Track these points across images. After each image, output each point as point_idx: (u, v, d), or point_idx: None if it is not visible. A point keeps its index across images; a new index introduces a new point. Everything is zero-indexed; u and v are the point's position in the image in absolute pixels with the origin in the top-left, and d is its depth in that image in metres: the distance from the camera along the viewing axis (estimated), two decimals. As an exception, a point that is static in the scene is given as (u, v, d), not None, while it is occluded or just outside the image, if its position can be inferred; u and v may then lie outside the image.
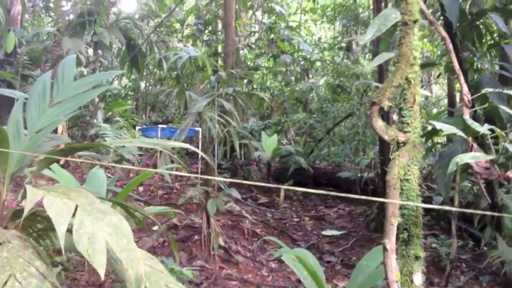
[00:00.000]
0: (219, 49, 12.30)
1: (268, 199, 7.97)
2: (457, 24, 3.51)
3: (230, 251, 5.36)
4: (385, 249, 1.39)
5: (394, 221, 1.39)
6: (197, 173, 7.21)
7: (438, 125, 1.41)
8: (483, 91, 1.60)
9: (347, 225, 7.00)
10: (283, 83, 12.48)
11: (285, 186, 1.45)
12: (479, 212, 1.04)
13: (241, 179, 8.41)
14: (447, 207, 1.46)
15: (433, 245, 5.91)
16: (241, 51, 12.58)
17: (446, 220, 6.37)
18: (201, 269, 4.85)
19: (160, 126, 8.65)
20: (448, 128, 1.36)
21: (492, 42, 3.88)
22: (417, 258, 1.58)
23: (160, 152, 6.38)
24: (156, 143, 2.48)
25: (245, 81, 11.99)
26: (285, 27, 12.61)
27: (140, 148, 7.54)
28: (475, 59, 4.59)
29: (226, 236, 5.68)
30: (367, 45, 10.79)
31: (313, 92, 11.84)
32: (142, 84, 14.96)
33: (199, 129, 6.06)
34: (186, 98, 6.95)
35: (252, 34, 14.15)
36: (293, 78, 12.54)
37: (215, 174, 5.72)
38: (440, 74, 10.60)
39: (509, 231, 3.83)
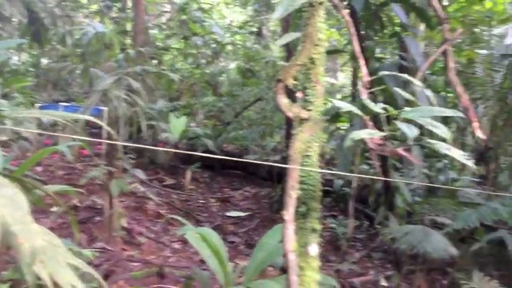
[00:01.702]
0: (128, 27, 11.92)
1: (174, 181, 7.92)
2: (361, 13, 3.68)
3: (133, 233, 5.27)
4: (283, 220, 1.45)
5: (293, 194, 1.44)
6: (101, 153, 6.98)
7: (337, 103, 1.48)
8: (380, 73, 1.69)
9: (252, 207, 7.13)
10: (193, 66, 12.37)
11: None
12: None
13: (147, 160, 8.27)
14: (345, 173, 1.54)
15: (332, 225, 6.20)
16: (151, 31, 12.28)
17: (345, 202, 6.70)
18: (102, 250, 4.73)
19: (62, 104, 8.26)
20: (346, 107, 1.44)
21: (393, 32, 4.10)
22: (314, 230, 1.65)
23: (63, 130, 6.10)
24: (57, 114, 2.38)
25: (155, 61, 11.74)
26: (197, 8, 12.47)
27: (39, 126, 7.17)
28: (377, 48, 4.83)
29: (130, 218, 5.58)
30: (278, 30, 10.97)
31: (224, 75, 11.85)
32: (45, 61, 14.15)
33: (105, 108, 5.87)
34: (91, 76, 6.69)
35: (163, 14, 13.85)
36: (204, 60, 12.47)
37: (120, 155, 5.57)
38: (345, 63, 11.03)
39: (400, 210, 4.11)
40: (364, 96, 1.49)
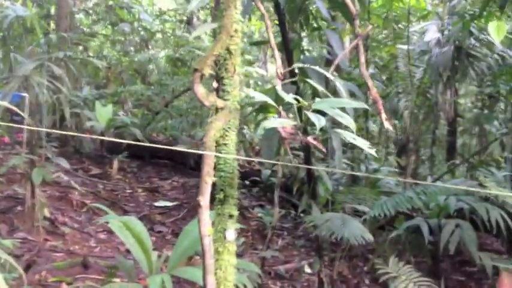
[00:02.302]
0: (52, 11, 11.45)
1: (100, 170, 7.76)
2: (286, 6, 3.77)
3: (56, 223, 5.15)
4: (199, 206, 1.50)
5: (208, 180, 1.50)
6: (22, 142, 6.72)
7: (252, 93, 1.54)
8: (294, 65, 1.77)
9: (180, 197, 7.13)
10: (121, 53, 12.10)
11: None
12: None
13: (72, 149, 8.05)
14: (264, 160, 1.60)
15: (259, 215, 6.33)
16: (76, 16, 11.87)
17: (273, 192, 6.85)
18: (23, 241, 4.59)
19: (-20, 89, 7.85)
20: (260, 97, 1.50)
21: (315, 26, 4.23)
22: (231, 216, 1.71)
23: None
24: (-31, 101, 2.29)
25: (80, 47, 11.38)
26: (125, -7, 12.18)
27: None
28: (303, 41, 4.97)
29: (53, 208, 5.44)
30: (209, 20, 10.95)
31: (153, 63, 11.68)
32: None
33: (26, 95, 5.65)
34: (11, 61, 6.42)
35: (90, -2, 13.42)
36: (132, 48, 12.23)
37: (42, 143, 5.41)
38: (273, 54, 11.16)
39: (322, 199, 4.27)
40: (279, 86, 1.55)
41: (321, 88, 1.74)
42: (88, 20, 12.62)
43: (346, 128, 1.60)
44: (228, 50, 1.62)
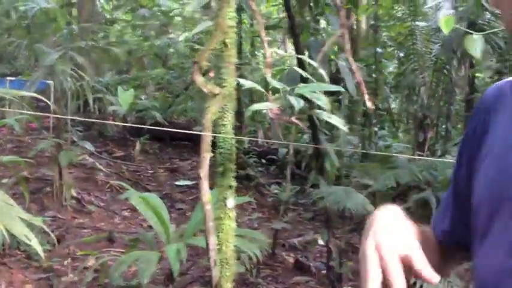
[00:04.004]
0: (74, -1, 11.77)
1: (124, 152, 8.12)
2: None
3: (83, 202, 5.52)
4: (199, 177, 1.78)
5: (206, 155, 1.77)
6: (49, 127, 7.10)
7: (242, 81, 1.80)
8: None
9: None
10: (142, 38, 12.38)
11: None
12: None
13: (96, 133, 8.42)
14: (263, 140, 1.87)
15: (275, 191, 6.61)
16: (98, 2, 12.18)
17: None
18: (52, 218, 4.96)
19: (8, 78, 8.24)
20: (248, 84, 1.76)
21: (319, 11, 4.45)
22: (230, 187, 1.98)
23: (9, 105, 6.20)
24: (5, 92, 2.60)
25: (101, 34, 11.70)
26: (143, -21, 12.42)
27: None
28: (312, 24, 5.17)
29: (80, 188, 5.81)
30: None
31: (172, 47, 11.94)
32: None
33: (51, 82, 5.99)
34: (36, 50, 6.76)
35: (110, -16, 13.69)
36: (153, 32, 12.50)
37: (68, 128, 5.76)
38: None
39: (329, 174, 4.53)
40: (268, 75, 1.81)
41: (304, 74, 1.98)
42: (109, 6, 12.91)
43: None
44: (225, 43, 1.87)
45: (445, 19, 1.85)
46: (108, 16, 12.74)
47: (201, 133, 1.67)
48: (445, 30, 1.91)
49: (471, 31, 2.27)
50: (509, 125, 0.82)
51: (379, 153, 5.21)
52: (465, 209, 0.92)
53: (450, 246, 1.01)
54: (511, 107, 0.84)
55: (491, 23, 6.93)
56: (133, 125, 5.46)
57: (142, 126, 4.82)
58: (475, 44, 2.00)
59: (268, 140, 4.45)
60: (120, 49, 8.01)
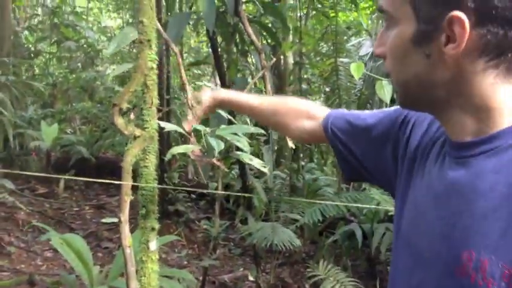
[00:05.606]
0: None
1: (47, 189, 7.80)
2: (219, 30, 4.06)
3: (2, 243, 5.23)
4: (119, 221, 1.74)
5: (127, 199, 1.74)
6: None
7: (162, 124, 1.80)
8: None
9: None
10: (67, 70, 12.11)
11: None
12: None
13: (18, 169, 8.05)
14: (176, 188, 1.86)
15: (205, 227, 6.56)
16: (22, 34, 11.83)
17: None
18: (-33, 262, 4.67)
19: None
20: (169, 127, 1.76)
21: (244, 50, 4.55)
22: (153, 229, 1.95)
23: None
24: None
25: (25, 66, 11.34)
26: (70, 12, 12.24)
27: None
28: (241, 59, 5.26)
29: (-1, 228, 5.52)
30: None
31: (99, 80, 11.75)
32: None
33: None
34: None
35: (34, 16, 13.38)
36: (79, 65, 12.26)
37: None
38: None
39: (256, 210, 4.56)
40: (189, 116, 1.82)
41: (225, 115, 2.02)
42: (33, 37, 12.57)
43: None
44: (146, 85, 1.87)
45: (355, 66, 1.96)
46: (32, 48, 12.39)
47: (120, 182, 1.65)
48: (356, 76, 2.02)
49: (380, 77, 2.41)
50: (436, 179, 0.88)
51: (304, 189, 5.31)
52: (361, 149, 1.17)
53: (324, 137, 1.25)
54: (441, 157, 0.91)
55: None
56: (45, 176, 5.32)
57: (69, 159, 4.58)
58: (385, 89, 2.14)
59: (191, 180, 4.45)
60: (44, 82, 7.76)
